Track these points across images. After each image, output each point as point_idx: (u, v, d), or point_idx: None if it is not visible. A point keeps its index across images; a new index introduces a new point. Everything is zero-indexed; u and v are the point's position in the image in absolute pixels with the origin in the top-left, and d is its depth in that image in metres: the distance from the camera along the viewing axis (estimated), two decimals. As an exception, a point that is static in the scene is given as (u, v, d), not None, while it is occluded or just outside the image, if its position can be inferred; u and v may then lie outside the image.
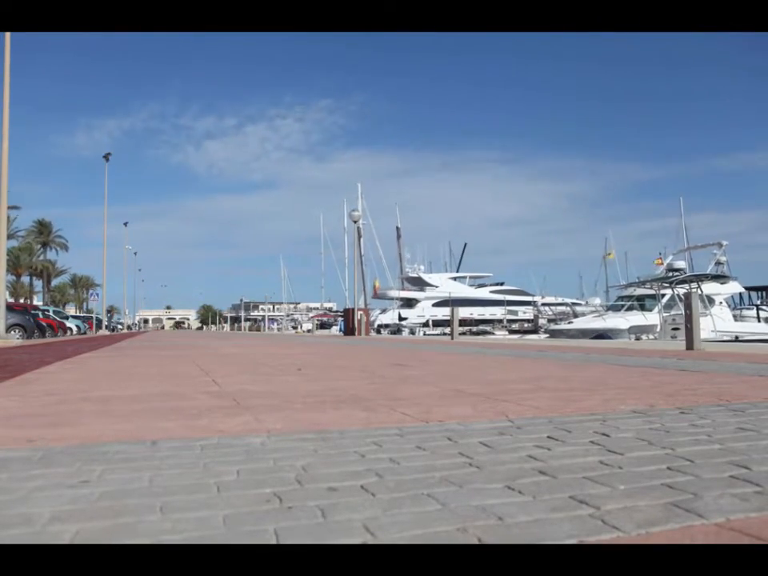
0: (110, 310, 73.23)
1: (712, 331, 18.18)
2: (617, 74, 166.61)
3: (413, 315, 46.17)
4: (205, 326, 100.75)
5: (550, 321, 33.69)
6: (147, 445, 1.83)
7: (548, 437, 1.90)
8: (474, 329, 38.59)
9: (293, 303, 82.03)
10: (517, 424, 2.14)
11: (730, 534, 1.03)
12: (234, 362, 6.26)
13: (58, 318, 26.01)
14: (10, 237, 39.02)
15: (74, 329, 29.23)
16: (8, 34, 14.85)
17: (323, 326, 48.01)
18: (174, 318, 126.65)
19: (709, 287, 20.03)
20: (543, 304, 41.59)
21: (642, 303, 21.54)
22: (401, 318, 44.69)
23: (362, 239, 31.77)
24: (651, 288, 20.88)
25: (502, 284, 54.16)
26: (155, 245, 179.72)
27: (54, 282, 69.65)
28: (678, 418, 2.23)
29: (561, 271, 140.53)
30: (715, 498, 1.23)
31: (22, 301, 50.22)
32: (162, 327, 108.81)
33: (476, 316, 46.02)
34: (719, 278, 21.01)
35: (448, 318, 16.67)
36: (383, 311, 46.75)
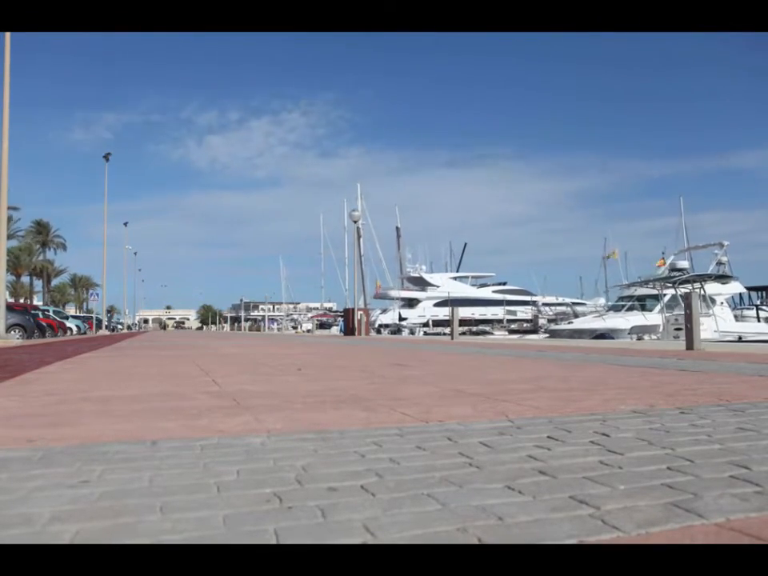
0: (110, 310, 73.20)
1: (715, 331, 18.15)
2: (617, 74, 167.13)
3: (413, 315, 46.08)
4: (205, 326, 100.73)
5: (549, 321, 33.71)
6: (147, 445, 1.83)
7: (548, 437, 1.90)
8: (474, 329, 38.53)
9: (293, 303, 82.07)
10: (517, 424, 2.14)
11: (730, 534, 1.03)
12: (233, 362, 6.26)
13: (57, 318, 26.01)
14: (10, 237, 39.00)
15: (74, 329, 29.23)
16: (8, 34, 14.86)
17: (323, 326, 47.98)
18: (174, 318, 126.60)
19: (710, 287, 20.03)
20: (544, 304, 41.58)
21: (642, 303, 21.52)
22: (401, 318, 44.62)
23: (361, 239, 31.74)
24: (654, 288, 20.85)
25: (504, 284, 53.87)
26: (155, 244, 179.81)
27: (54, 282, 69.77)
28: (677, 418, 2.23)
29: (561, 271, 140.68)
30: (715, 498, 1.23)
31: (22, 301, 50.22)
32: (165, 327, 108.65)
33: (477, 316, 45.88)
34: (722, 277, 21.00)
35: (449, 317, 16.65)
36: (383, 311, 46.70)
